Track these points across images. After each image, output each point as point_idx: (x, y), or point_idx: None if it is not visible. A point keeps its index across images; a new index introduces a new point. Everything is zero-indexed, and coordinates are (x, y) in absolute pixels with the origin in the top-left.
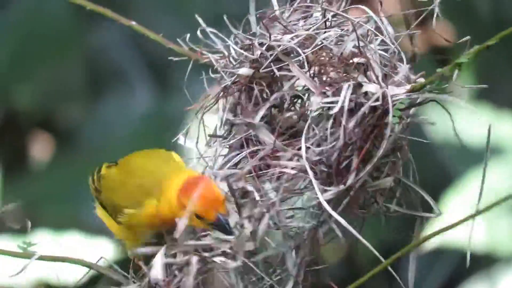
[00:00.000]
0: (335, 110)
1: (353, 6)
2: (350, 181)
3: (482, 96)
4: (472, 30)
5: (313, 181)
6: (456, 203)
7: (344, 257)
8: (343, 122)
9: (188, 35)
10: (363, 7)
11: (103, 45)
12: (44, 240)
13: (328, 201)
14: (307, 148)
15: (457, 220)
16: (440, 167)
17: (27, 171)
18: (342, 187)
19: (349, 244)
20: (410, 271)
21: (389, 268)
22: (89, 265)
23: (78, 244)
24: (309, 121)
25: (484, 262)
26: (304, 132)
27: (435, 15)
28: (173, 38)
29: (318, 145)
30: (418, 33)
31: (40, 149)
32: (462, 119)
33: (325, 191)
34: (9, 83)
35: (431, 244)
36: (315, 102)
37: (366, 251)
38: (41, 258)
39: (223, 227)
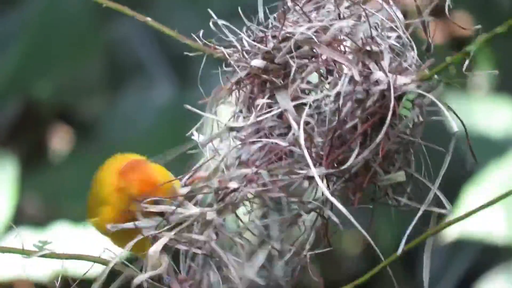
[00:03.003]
0: (334, 92)
1: None
2: (348, 163)
3: (502, 88)
4: (491, 21)
5: (306, 155)
6: (476, 195)
7: (364, 249)
8: (340, 105)
9: (202, 31)
10: None
11: (122, 38)
12: (63, 233)
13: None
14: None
15: (473, 209)
16: (460, 159)
17: (47, 163)
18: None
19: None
20: (425, 266)
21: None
22: (104, 262)
23: (98, 236)
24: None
25: (505, 254)
26: (306, 111)
27: (447, 4)
28: (191, 32)
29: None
30: (431, 21)
31: (60, 141)
32: (482, 111)
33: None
34: (29, 75)
35: (450, 237)
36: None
37: (385, 244)
38: (54, 256)
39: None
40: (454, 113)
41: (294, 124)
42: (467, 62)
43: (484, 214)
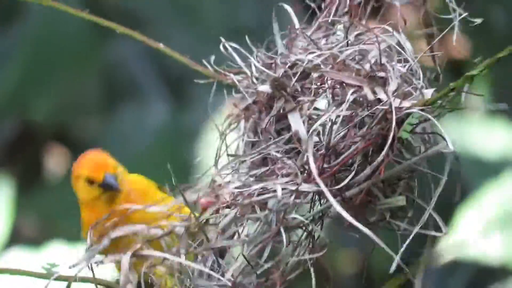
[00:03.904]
0: (335, 113)
1: (375, 26)
2: (344, 182)
3: (497, 111)
4: (488, 44)
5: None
6: (471, 216)
7: (359, 270)
8: (337, 124)
9: (213, 56)
10: (385, 26)
11: (119, 59)
12: (59, 252)
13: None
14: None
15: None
16: (455, 180)
17: (43, 184)
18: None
19: (363, 257)
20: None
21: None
22: (106, 285)
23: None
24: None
25: (500, 275)
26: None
27: (455, 31)
28: (190, 53)
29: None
30: (441, 52)
31: (56, 162)
32: (478, 132)
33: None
34: (25, 96)
35: (446, 258)
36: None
37: (380, 265)
38: (59, 278)
39: (109, 185)
40: (445, 139)
41: (303, 143)
42: (467, 86)
43: (479, 235)
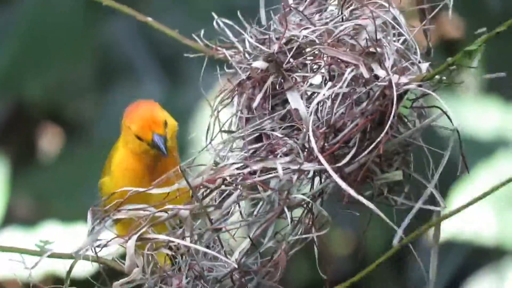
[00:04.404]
0: (335, 91)
1: (369, 1)
2: (345, 160)
3: (491, 89)
4: (482, 24)
5: (315, 148)
6: (465, 195)
7: (353, 251)
8: (337, 102)
9: (203, 31)
10: (379, 0)
11: (112, 38)
12: (53, 232)
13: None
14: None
15: (461, 210)
16: (449, 160)
17: (37, 163)
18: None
19: (357, 238)
20: (432, 262)
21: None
22: (95, 260)
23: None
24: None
25: (493, 255)
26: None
27: (450, 9)
28: (183, 32)
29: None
30: (433, 28)
31: (50, 142)
32: (472, 112)
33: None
34: (19, 76)
35: (440, 237)
36: (317, 79)
37: (374, 245)
38: (52, 255)
39: (158, 146)
40: (448, 116)
41: (304, 122)
42: (476, 61)
43: (473, 215)
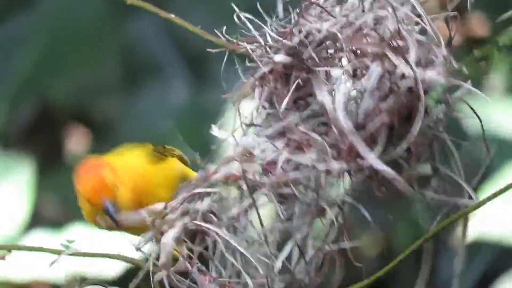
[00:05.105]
0: (357, 86)
1: None
2: (376, 153)
3: None
4: (508, 22)
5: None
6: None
7: (381, 251)
8: (366, 100)
9: (225, 26)
10: None
11: (138, 38)
12: (80, 234)
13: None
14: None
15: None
16: (477, 160)
17: (63, 165)
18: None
19: (385, 238)
20: (458, 259)
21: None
22: (120, 258)
23: (114, 237)
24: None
25: None
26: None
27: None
28: (208, 29)
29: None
30: (455, 15)
31: (76, 142)
32: (498, 112)
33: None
34: (45, 76)
35: (468, 238)
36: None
37: (402, 245)
38: (74, 254)
39: (108, 213)
40: (475, 112)
41: (333, 120)
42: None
43: (501, 215)
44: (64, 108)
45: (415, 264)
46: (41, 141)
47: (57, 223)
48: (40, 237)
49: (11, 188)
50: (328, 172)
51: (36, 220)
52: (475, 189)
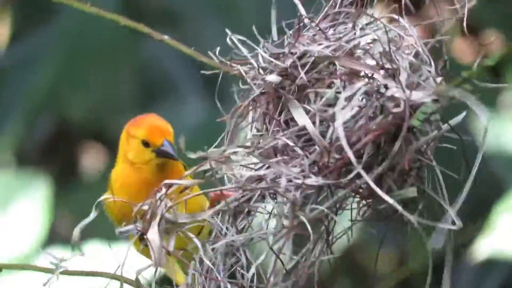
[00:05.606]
0: (339, 105)
1: (382, 15)
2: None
3: None
4: None
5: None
6: (507, 215)
7: (395, 268)
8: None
9: (219, 48)
10: (393, 15)
11: (155, 56)
12: (96, 251)
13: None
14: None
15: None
16: (492, 178)
17: (79, 182)
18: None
19: (399, 256)
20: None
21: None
22: (117, 278)
23: (130, 255)
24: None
25: None
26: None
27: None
28: (222, 44)
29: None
30: (446, 40)
31: (92, 160)
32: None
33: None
34: (62, 93)
35: (481, 256)
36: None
37: (416, 264)
38: (66, 272)
39: (167, 152)
40: (453, 130)
41: (316, 138)
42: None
43: None
44: (80, 125)
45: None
46: (58, 158)
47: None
48: (56, 254)
49: (28, 205)
50: (305, 186)
51: (52, 237)
52: (492, 206)
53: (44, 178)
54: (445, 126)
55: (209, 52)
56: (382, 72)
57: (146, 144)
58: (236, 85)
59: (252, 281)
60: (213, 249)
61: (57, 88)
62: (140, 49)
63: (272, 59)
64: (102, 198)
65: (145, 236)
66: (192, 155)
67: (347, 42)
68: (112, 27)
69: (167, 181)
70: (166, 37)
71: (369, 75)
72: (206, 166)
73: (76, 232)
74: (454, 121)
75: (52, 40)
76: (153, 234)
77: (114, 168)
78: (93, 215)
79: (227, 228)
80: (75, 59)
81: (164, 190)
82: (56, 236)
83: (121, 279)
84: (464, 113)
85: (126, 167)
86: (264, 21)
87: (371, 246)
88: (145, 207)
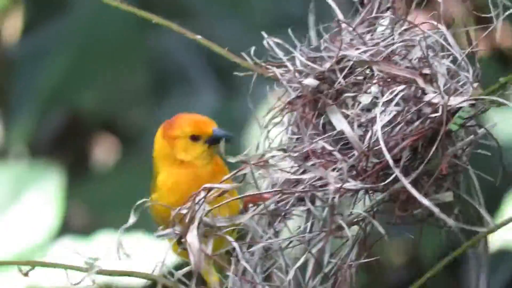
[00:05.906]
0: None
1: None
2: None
3: None
4: None
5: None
6: None
7: (409, 259)
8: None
9: (253, 48)
10: (431, 21)
11: (167, 48)
12: (108, 243)
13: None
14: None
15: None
16: (507, 172)
17: (92, 174)
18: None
19: (412, 247)
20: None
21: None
22: (145, 277)
23: (143, 246)
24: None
25: None
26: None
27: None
28: (234, 42)
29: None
30: (475, 29)
31: (105, 152)
32: None
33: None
34: (74, 86)
35: (492, 248)
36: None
37: (429, 256)
38: (101, 272)
39: (221, 136)
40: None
41: (354, 143)
42: None
43: None
44: (92, 117)
45: (441, 273)
46: (70, 150)
47: (85, 232)
48: (69, 245)
49: (40, 196)
50: (343, 190)
51: (65, 228)
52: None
53: (56, 169)
54: (481, 131)
55: (242, 53)
56: (420, 77)
57: (195, 138)
58: (246, 82)
59: (289, 284)
60: (250, 252)
61: (69, 80)
62: (152, 40)
63: (309, 63)
64: (140, 201)
65: (183, 240)
66: (232, 159)
67: (385, 47)
68: (124, 19)
69: (206, 185)
70: (199, 36)
71: (407, 80)
72: (246, 170)
73: (120, 235)
74: (490, 126)
75: (64, 32)
76: (192, 238)
77: (157, 178)
78: (131, 220)
79: (263, 231)
80: (87, 51)
81: (202, 194)
82: (68, 226)
83: (159, 280)
84: (499, 119)
85: (174, 169)
86: (275, 18)
87: (383, 238)
88: (184, 211)
